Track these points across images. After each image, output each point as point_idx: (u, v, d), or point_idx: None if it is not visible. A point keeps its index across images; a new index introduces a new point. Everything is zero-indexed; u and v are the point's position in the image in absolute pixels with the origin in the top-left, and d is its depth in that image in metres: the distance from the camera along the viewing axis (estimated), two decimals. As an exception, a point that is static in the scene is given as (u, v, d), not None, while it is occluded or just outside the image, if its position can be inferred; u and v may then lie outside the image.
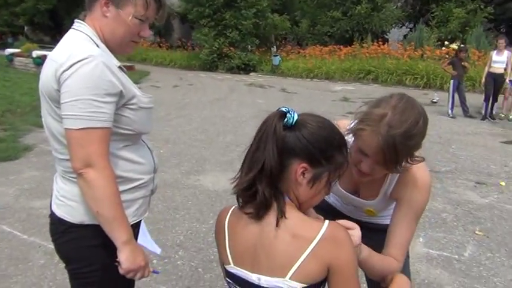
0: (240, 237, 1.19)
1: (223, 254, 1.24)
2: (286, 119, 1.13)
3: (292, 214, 1.15)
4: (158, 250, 1.74)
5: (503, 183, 5.37)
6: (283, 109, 1.15)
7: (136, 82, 1.58)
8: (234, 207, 1.26)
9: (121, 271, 1.46)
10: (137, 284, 1.73)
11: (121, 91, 1.41)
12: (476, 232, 3.99)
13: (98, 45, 1.45)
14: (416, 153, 1.44)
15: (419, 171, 1.49)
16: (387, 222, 1.64)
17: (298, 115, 1.17)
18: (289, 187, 1.17)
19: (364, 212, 1.74)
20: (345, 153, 1.22)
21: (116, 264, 1.45)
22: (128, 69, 1.57)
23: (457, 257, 3.52)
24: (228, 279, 1.25)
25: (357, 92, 13.15)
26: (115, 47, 1.53)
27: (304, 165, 1.14)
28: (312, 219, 1.19)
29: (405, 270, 1.67)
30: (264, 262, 1.14)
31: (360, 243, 1.33)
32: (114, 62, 1.46)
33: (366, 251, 1.37)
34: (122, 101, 1.43)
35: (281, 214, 1.13)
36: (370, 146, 1.34)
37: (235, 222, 1.22)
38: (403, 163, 1.39)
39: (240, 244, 1.19)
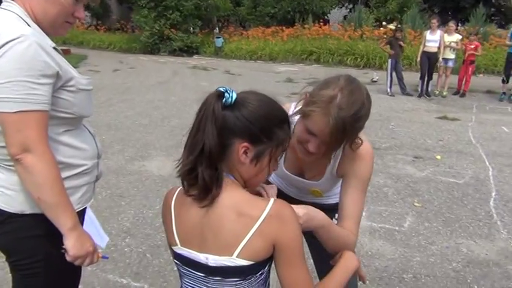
0: (186, 218, 1.19)
1: (170, 235, 1.23)
2: (224, 99, 1.12)
3: (238, 193, 1.16)
4: (106, 238, 1.69)
5: (438, 157, 5.67)
6: (221, 89, 1.14)
7: (73, 66, 1.51)
8: (180, 188, 1.24)
9: (68, 258, 1.42)
10: (83, 274, 1.69)
11: (57, 72, 1.35)
12: (415, 204, 4.20)
13: (29, 25, 1.37)
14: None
15: (364, 144, 1.52)
16: (333, 201, 1.70)
17: (238, 94, 1.16)
18: (232, 166, 1.17)
19: (311, 193, 1.77)
20: (287, 128, 1.21)
21: (63, 251, 1.41)
22: (64, 53, 1.50)
23: (397, 228, 3.70)
24: (176, 261, 1.25)
25: (300, 73, 13.32)
26: (48, 28, 1.45)
27: (246, 144, 1.14)
28: (258, 198, 1.20)
29: None
30: (211, 241, 1.14)
31: (318, 215, 1.35)
32: (49, 42, 1.39)
33: (328, 219, 1.38)
34: (59, 82, 1.37)
35: (212, 198, 1.13)
36: (320, 126, 1.35)
37: (181, 203, 1.21)
38: (346, 145, 1.44)
39: (187, 224, 1.19)
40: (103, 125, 6.74)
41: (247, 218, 1.11)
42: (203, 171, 1.12)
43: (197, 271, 1.19)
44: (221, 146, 1.12)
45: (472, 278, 2.98)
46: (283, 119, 1.20)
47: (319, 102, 1.35)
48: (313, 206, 1.66)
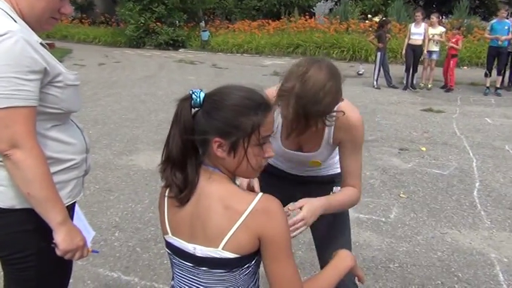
0: (178, 208, 1.21)
1: (163, 224, 1.26)
2: (192, 101, 1.16)
3: (226, 186, 1.18)
4: (92, 233, 1.71)
5: (423, 149, 5.75)
6: (190, 91, 1.17)
7: (58, 61, 1.52)
8: None
9: (58, 253, 1.43)
10: (73, 268, 1.70)
11: (45, 68, 1.35)
12: (401, 195, 4.26)
13: (15, 21, 1.37)
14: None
15: (349, 113, 1.67)
16: (330, 172, 1.97)
17: (208, 92, 1.19)
18: (216, 161, 1.20)
19: (309, 165, 1.89)
20: (254, 115, 1.16)
21: (53, 246, 1.42)
22: (48, 47, 1.50)
23: (384, 219, 3.76)
24: (168, 250, 1.28)
25: (287, 66, 13.26)
26: (34, 24, 1.45)
27: (217, 139, 1.15)
28: (246, 192, 1.22)
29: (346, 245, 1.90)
30: (199, 232, 1.17)
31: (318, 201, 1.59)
32: (35, 38, 1.39)
33: (326, 201, 1.62)
34: (46, 78, 1.37)
35: (185, 197, 1.19)
36: (286, 115, 1.53)
37: None
38: (323, 120, 1.54)
39: (178, 215, 1.22)
40: (89, 119, 6.70)
41: (233, 212, 1.13)
42: (174, 173, 1.18)
43: (186, 261, 1.22)
44: (200, 144, 1.18)
45: (457, 267, 3.05)
46: (248, 107, 1.16)
47: (282, 95, 1.50)
48: (313, 181, 1.95)
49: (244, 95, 1.17)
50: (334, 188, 2.00)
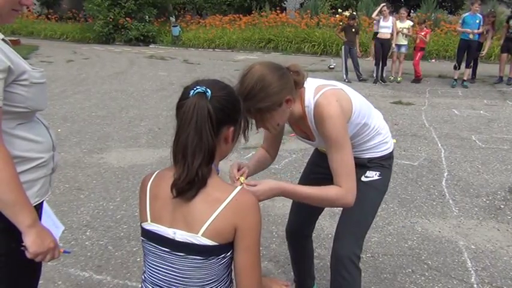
0: (160, 196, 1.25)
1: (143, 212, 1.29)
2: (207, 97, 1.19)
3: (211, 177, 1.22)
4: (61, 227, 1.67)
5: (394, 141, 5.79)
6: (200, 89, 1.19)
7: (24, 58, 1.47)
8: (157, 171, 1.32)
9: (28, 255, 1.39)
10: (43, 269, 1.67)
11: (9, 67, 1.31)
12: (372, 186, 4.32)
13: None
14: None
15: (326, 106, 1.67)
16: (360, 156, 1.98)
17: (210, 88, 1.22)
18: (216, 152, 1.25)
19: (320, 150, 2.00)
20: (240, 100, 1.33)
21: (23, 249, 1.38)
22: (13, 44, 1.46)
23: (356, 210, 3.80)
24: (143, 238, 1.30)
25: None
26: None
27: (232, 128, 1.26)
28: (226, 183, 1.27)
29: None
30: (181, 218, 1.20)
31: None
32: (-2, 35, 1.35)
33: (287, 187, 1.64)
34: (11, 77, 1.33)
35: (204, 184, 1.20)
36: None
37: (157, 184, 1.28)
38: (272, 110, 1.59)
39: (160, 202, 1.25)
40: (58, 117, 6.56)
41: (214, 200, 1.19)
42: (202, 170, 1.18)
43: (162, 246, 1.24)
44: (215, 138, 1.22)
45: (427, 255, 3.12)
46: (238, 96, 1.32)
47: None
48: None
49: (231, 86, 1.31)
50: (367, 171, 2.01)
